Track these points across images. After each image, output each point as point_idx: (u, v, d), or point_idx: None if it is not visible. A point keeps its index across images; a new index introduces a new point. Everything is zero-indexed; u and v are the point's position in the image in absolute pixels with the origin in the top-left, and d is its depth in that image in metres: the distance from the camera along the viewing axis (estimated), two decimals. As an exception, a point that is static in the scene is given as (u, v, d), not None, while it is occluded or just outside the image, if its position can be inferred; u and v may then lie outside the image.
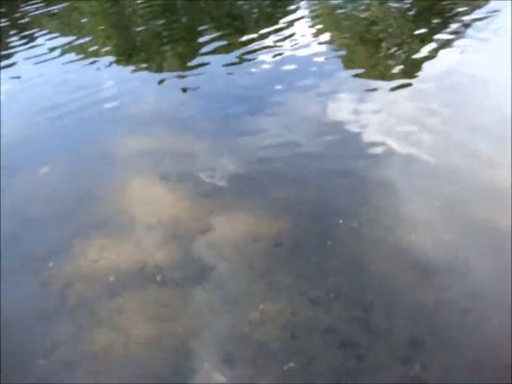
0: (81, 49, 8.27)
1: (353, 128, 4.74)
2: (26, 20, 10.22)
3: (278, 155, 4.51)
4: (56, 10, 10.69)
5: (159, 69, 7.21)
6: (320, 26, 7.75)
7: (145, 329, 3.05)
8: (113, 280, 3.40)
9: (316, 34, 7.30)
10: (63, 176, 4.77)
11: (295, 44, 6.99)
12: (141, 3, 10.34)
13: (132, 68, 7.29)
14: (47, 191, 4.57)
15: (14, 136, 5.65)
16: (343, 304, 3.04)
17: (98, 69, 7.36)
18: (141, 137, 5.22)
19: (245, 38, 7.49)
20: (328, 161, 4.38)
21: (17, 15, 10.57)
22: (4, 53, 8.64)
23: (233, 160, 4.51)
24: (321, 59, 6.41)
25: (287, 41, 7.14)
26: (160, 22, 9.12)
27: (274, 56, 6.71)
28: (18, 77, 7.60)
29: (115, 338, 3.02)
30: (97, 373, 2.85)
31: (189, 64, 7.01)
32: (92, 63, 7.55)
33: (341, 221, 3.67)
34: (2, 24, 10.13)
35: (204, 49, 7.28)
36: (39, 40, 8.85)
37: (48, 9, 10.75)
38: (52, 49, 8.29)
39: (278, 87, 5.84)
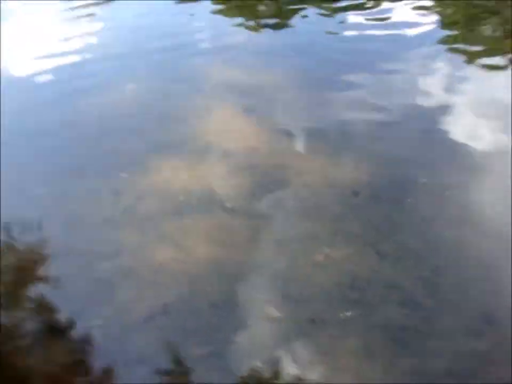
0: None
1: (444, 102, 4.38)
2: None
3: (365, 109, 4.28)
4: None
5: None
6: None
7: (206, 252, 3.03)
8: (183, 200, 3.40)
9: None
10: (147, 95, 4.80)
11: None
12: None
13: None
14: (130, 106, 4.61)
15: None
16: (411, 262, 2.87)
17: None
18: (229, 69, 5.13)
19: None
20: (418, 125, 4.10)
21: None
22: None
23: (322, 110, 4.33)
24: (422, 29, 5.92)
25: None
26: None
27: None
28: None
29: (176, 255, 3.03)
30: (153, 284, 2.88)
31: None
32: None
33: (424, 180, 3.46)
34: None
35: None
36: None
37: None
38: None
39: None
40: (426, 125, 4.04)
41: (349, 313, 2.63)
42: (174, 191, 3.47)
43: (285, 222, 3.18)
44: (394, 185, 3.45)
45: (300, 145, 3.86)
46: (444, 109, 4.18)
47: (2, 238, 3.39)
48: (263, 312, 2.67)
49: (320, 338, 2.54)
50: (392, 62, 5.11)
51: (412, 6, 6.28)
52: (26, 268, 3.19)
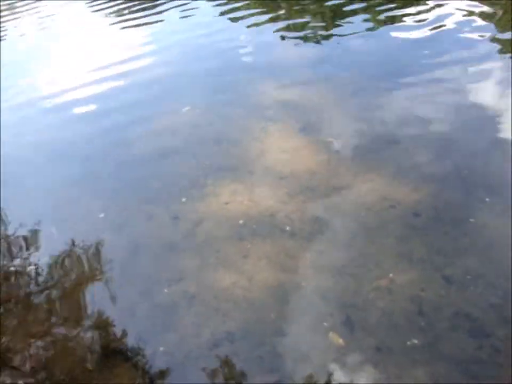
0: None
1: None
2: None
3: (423, 123, 4.18)
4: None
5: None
6: None
7: (267, 276, 3.03)
8: (242, 224, 3.41)
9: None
10: (202, 117, 4.87)
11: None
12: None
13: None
14: (187, 129, 4.69)
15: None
16: (480, 288, 2.76)
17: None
18: (283, 88, 5.15)
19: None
20: (476, 137, 3.97)
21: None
22: None
23: (377, 121, 4.27)
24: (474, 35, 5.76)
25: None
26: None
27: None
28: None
29: (237, 280, 3.04)
30: (216, 310, 2.89)
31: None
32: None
33: (487, 199, 3.34)
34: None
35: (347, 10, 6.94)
36: None
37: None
38: None
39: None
40: (486, 138, 3.91)
41: (415, 341, 2.56)
42: (233, 215, 3.49)
43: (346, 245, 3.14)
44: (456, 205, 3.34)
45: (357, 165, 3.81)
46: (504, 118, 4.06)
47: (65, 262, 3.50)
48: (327, 340, 2.63)
49: (387, 367, 2.48)
50: (444, 70, 5.01)
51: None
52: (90, 292, 3.27)
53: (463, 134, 3.98)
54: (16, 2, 12.19)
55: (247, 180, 3.82)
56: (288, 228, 3.32)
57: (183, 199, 3.75)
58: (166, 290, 3.09)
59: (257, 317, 2.81)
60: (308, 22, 6.91)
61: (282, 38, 6.51)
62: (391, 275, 2.90)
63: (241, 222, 3.43)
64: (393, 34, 6.01)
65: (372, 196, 3.50)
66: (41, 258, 3.55)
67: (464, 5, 6.33)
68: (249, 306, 2.88)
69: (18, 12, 11.37)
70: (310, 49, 6.05)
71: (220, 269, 3.14)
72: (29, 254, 3.63)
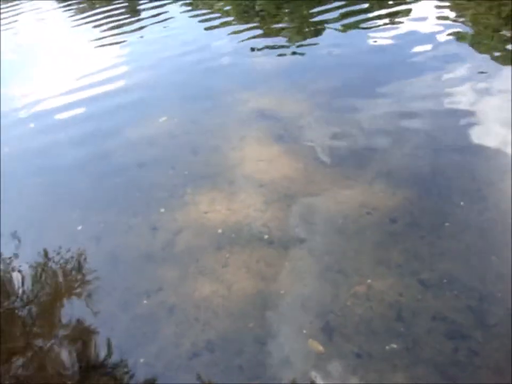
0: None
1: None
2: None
3: (398, 130, 4.25)
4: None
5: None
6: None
7: (246, 285, 3.03)
8: (221, 233, 3.42)
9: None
10: (179, 126, 4.87)
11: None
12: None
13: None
14: (164, 138, 4.68)
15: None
16: (457, 291, 2.80)
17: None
18: (261, 96, 5.18)
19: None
20: (451, 141, 4.04)
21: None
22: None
23: (354, 128, 4.32)
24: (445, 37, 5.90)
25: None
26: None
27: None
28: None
29: (217, 289, 3.04)
30: (196, 320, 2.88)
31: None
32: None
33: (462, 203, 3.39)
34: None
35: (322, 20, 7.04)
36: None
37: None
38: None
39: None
40: (460, 144, 3.98)
41: (394, 346, 2.59)
42: (212, 224, 3.50)
43: (324, 252, 3.16)
44: (431, 210, 3.39)
45: (335, 172, 3.84)
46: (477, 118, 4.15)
47: (43, 275, 3.46)
48: (307, 347, 2.64)
49: (367, 372, 2.50)
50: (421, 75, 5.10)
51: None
52: (68, 304, 3.24)
53: (437, 141, 4.04)
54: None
55: (225, 188, 3.83)
56: (266, 237, 3.33)
57: (162, 209, 3.74)
58: (145, 302, 3.07)
59: (237, 325, 2.81)
60: (284, 30, 6.99)
61: (259, 47, 6.56)
62: (369, 281, 2.93)
63: (220, 231, 3.44)
64: (369, 39, 6.10)
65: (349, 202, 3.53)
66: (17, 271, 3.50)
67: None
68: (228, 315, 2.88)
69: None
70: (286, 58, 6.10)
71: (199, 278, 3.14)
72: (6, 266, 3.58)
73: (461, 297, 2.77)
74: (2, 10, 11.52)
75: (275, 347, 2.68)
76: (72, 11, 10.54)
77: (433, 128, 4.19)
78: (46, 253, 3.60)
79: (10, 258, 3.64)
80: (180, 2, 9.34)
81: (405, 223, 3.30)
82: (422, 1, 7.16)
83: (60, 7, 11.23)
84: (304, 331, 2.72)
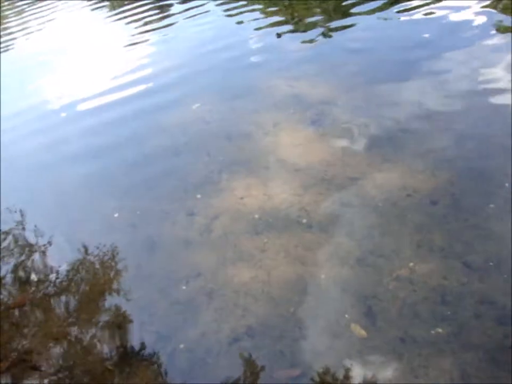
0: None
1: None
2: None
3: (436, 111, 4.12)
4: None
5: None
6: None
7: (286, 270, 2.99)
8: (258, 218, 3.38)
9: None
10: (213, 113, 4.84)
11: None
12: None
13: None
14: (199, 125, 4.66)
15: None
16: (504, 275, 2.70)
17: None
18: (293, 81, 5.10)
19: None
20: (491, 122, 3.89)
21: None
22: None
23: (390, 113, 4.21)
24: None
25: None
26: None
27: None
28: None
29: (256, 274, 3.01)
30: (236, 305, 2.87)
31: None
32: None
33: (507, 184, 3.27)
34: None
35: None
36: None
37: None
38: None
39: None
40: (502, 124, 3.83)
41: (440, 330, 2.51)
42: (249, 210, 3.46)
43: (364, 236, 3.10)
44: (474, 192, 3.28)
45: (372, 155, 3.76)
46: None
47: (81, 263, 3.49)
48: (350, 332, 2.59)
49: (412, 358, 2.43)
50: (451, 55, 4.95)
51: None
52: (107, 292, 3.26)
53: (477, 120, 3.91)
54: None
55: (261, 174, 3.79)
56: (304, 221, 3.28)
57: (198, 196, 3.73)
58: (184, 287, 3.07)
59: (277, 311, 2.78)
60: (314, 17, 6.87)
61: (291, 34, 6.45)
62: (411, 264, 2.85)
63: (257, 216, 3.40)
64: (402, 22, 5.94)
65: (387, 185, 3.45)
66: (57, 260, 3.54)
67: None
68: (268, 300, 2.85)
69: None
70: (317, 43, 5.97)
71: (237, 263, 3.11)
72: (45, 256, 3.63)
73: (508, 280, 2.67)
74: (35, 10, 11.63)
75: (317, 332, 2.64)
76: (103, 9, 10.57)
77: (472, 109, 4.05)
78: (83, 241, 3.62)
79: (45, 245, 3.68)
80: None
81: (446, 205, 3.20)
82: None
83: (90, 5, 11.27)
84: (347, 315, 2.67)
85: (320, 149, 3.92)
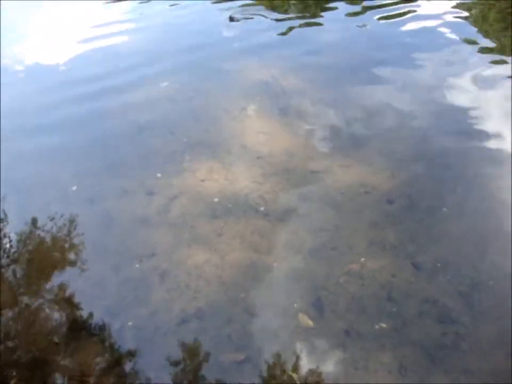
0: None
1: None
2: None
3: (400, 113, 4.20)
4: None
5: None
6: None
7: (240, 256, 3.03)
8: (217, 202, 3.39)
9: None
10: (181, 92, 4.79)
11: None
12: None
13: None
14: (165, 105, 4.61)
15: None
16: (449, 276, 2.81)
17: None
18: (265, 68, 5.09)
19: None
20: (451, 128, 4.00)
21: None
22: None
23: (356, 109, 4.27)
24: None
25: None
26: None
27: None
28: None
29: (210, 258, 3.03)
30: (187, 287, 2.88)
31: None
32: None
33: (460, 189, 3.38)
34: None
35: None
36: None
37: None
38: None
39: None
40: (459, 126, 3.97)
41: (383, 325, 2.60)
42: (209, 193, 3.47)
43: (319, 229, 3.15)
44: (430, 194, 3.38)
45: (335, 150, 3.81)
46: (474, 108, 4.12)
47: (34, 234, 3.43)
48: (296, 321, 2.65)
49: (354, 350, 2.51)
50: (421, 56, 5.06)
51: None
52: (60, 264, 3.22)
53: (438, 125, 4.01)
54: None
55: (224, 158, 3.79)
56: (262, 208, 3.31)
57: (159, 175, 3.70)
58: (137, 266, 3.06)
59: (228, 295, 2.82)
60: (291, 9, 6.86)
61: (269, 22, 6.39)
62: (362, 260, 2.93)
63: (216, 200, 3.41)
64: (379, 25, 5.97)
65: (347, 180, 3.51)
66: (9, 229, 3.47)
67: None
68: (220, 284, 2.87)
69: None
70: (295, 35, 5.94)
71: (193, 245, 3.12)
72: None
73: (453, 282, 2.77)
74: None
75: (265, 319, 2.69)
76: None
77: (434, 113, 4.14)
78: (38, 212, 3.55)
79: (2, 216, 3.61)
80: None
81: (402, 205, 3.29)
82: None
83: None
84: (295, 305, 2.72)
85: (285, 139, 3.95)
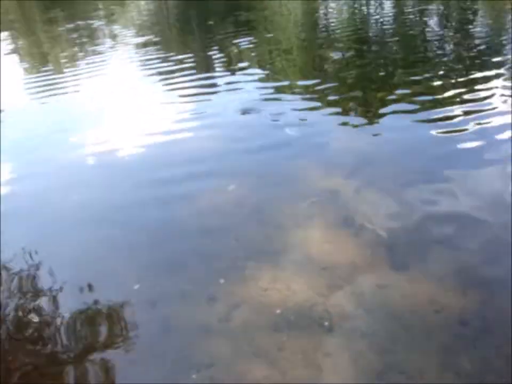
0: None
1: None
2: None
3: (473, 221, 4.07)
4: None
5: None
6: None
7: (301, 374, 2.87)
8: (279, 314, 3.29)
9: None
10: (248, 196, 4.85)
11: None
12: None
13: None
14: (231, 208, 4.67)
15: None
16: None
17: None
18: (329, 176, 5.12)
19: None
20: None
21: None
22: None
23: (423, 217, 4.18)
24: None
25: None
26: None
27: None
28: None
29: (270, 374, 2.89)
30: (245, 406, 2.74)
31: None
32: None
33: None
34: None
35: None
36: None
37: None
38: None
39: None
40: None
41: None
42: (271, 303, 3.39)
43: (387, 350, 2.97)
44: (508, 317, 3.15)
45: (402, 262, 3.69)
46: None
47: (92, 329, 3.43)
48: None
49: None
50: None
51: None
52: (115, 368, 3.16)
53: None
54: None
55: (288, 267, 3.73)
56: (326, 323, 3.18)
57: (221, 280, 3.68)
58: (194, 376, 2.96)
59: (288, 418, 2.65)
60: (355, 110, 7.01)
61: (334, 124, 6.53)
62: (434, 388, 2.71)
63: (278, 311, 3.32)
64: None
65: (414, 296, 3.35)
66: (66, 322, 3.48)
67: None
68: (280, 405, 2.72)
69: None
70: (361, 140, 6.02)
71: (253, 359, 3.00)
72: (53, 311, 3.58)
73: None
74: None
75: None
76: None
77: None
78: (98, 307, 3.57)
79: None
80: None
81: (476, 328, 3.08)
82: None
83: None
84: None
85: (350, 249, 3.86)
